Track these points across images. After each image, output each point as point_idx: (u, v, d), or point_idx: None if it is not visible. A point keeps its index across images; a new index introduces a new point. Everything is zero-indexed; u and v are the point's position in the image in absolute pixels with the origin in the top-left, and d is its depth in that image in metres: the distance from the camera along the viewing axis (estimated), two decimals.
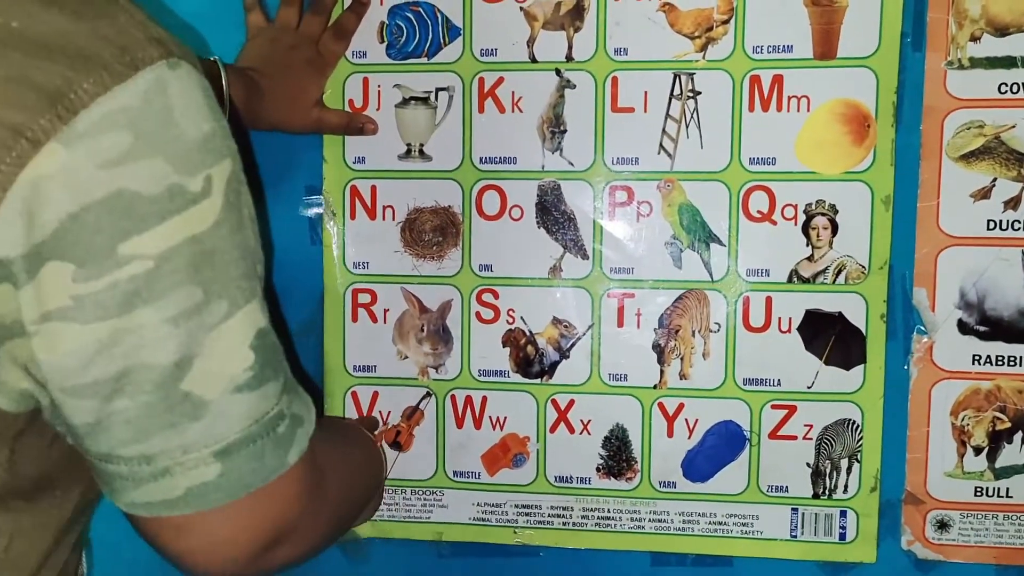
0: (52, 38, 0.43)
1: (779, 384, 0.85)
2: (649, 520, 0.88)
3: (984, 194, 0.81)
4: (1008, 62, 0.79)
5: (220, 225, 0.47)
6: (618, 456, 0.87)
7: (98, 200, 0.43)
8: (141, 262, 0.45)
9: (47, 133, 0.42)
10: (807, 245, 0.83)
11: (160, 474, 0.49)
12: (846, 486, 0.85)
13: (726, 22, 0.82)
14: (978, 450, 0.83)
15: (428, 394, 0.89)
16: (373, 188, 0.88)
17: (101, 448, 0.49)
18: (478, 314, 0.88)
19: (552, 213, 0.86)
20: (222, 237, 0.47)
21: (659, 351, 0.86)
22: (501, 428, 0.88)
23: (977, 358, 0.82)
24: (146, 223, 0.44)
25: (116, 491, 0.51)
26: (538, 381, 0.88)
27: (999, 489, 0.83)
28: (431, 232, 0.87)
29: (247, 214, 0.50)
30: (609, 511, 0.88)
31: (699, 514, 0.87)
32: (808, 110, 0.82)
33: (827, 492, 0.85)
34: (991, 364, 0.82)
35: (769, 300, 0.84)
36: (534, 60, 0.85)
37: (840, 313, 0.83)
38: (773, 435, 0.85)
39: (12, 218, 0.42)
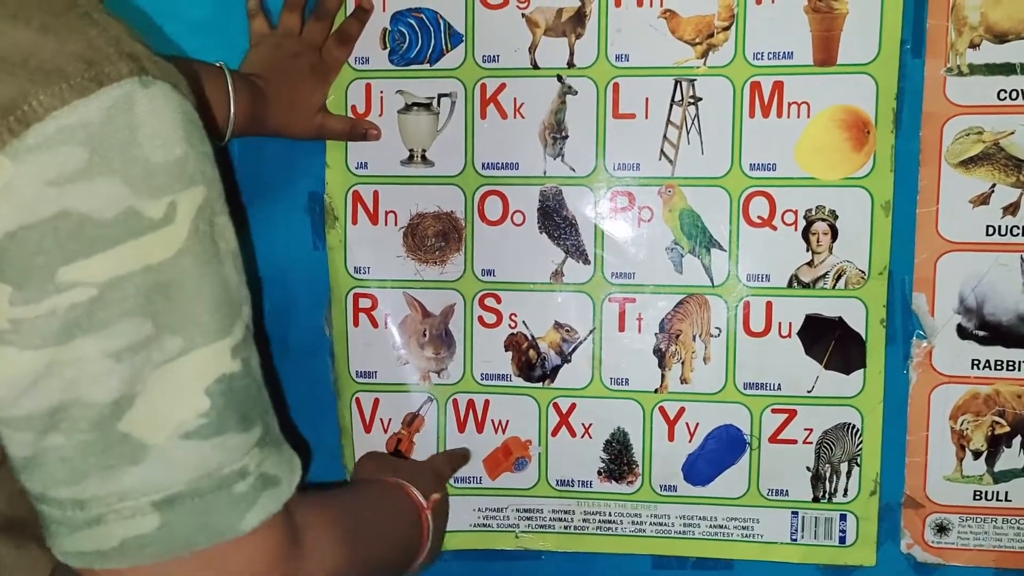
0: (13, 52, 0.41)
1: (779, 388, 0.85)
2: (650, 523, 0.88)
3: (983, 200, 0.81)
4: (1007, 69, 0.80)
5: (183, 255, 0.44)
6: (619, 460, 0.88)
7: (42, 219, 0.40)
8: (84, 289, 0.41)
9: None
10: (807, 250, 0.84)
11: (94, 521, 0.45)
12: (846, 490, 0.85)
13: (727, 29, 0.83)
14: (977, 454, 0.83)
15: (429, 399, 0.89)
16: (375, 193, 0.88)
17: (36, 487, 0.46)
18: (480, 318, 0.88)
19: (554, 218, 0.86)
20: (183, 269, 0.44)
21: (660, 355, 0.86)
22: (503, 432, 0.89)
23: (976, 363, 0.83)
24: (93, 247, 0.41)
25: (52, 536, 0.47)
26: (540, 385, 0.88)
27: (998, 493, 0.84)
28: (433, 237, 0.88)
29: (224, 248, 0.46)
30: (610, 514, 0.89)
31: (700, 517, 0.87)
32: (808, 116, 0.82)
33: (827, 496, 0.86)
34: (990, 369, 0.82)
35: (769, 305, 0.85)
36: (536, 66, 0.85)
37: (840, 318, 0.84)
38: (773, 439, 0.86)
39: None
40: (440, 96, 0.87)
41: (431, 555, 0.77)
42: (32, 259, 0.41)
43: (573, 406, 0.88)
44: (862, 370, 0.84)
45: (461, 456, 0.88)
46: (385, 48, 0.87)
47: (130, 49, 0.43)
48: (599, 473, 0.88)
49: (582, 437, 0.88)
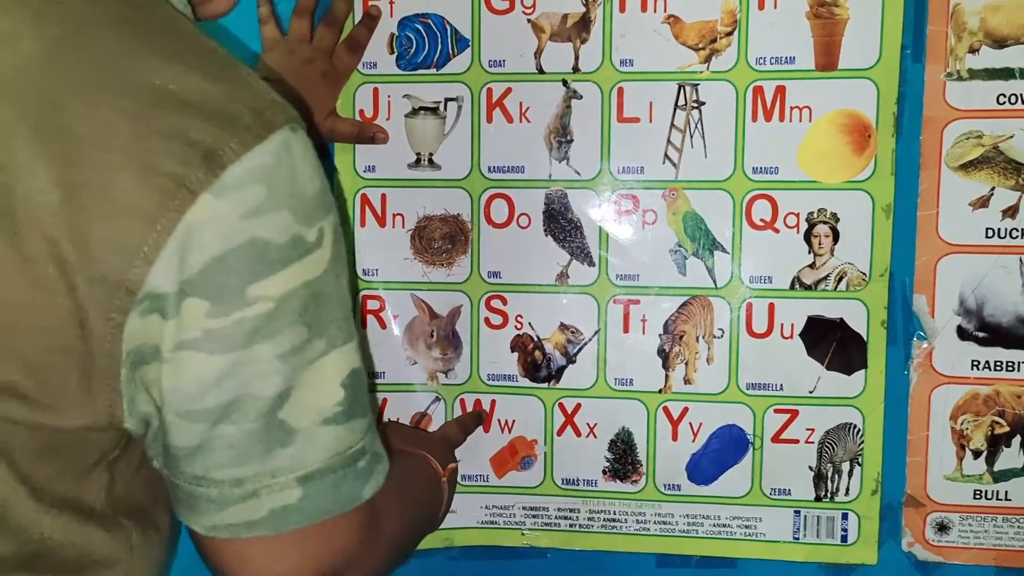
0: (200, 100, 0.48)
1: (782, 389, 0.86)
2: (654, 522, 0.89)
3: (983, 203, 0.82)
4: (1006, 73, 0.81)
5: (328, 272, 0.52)
6: (624, 459, 0.89)
7: (237, 246, 0.48)
8: (264, 303, 0.49)
9: (202, 184, 0.47)
10: (809, 253, 0.85)
11: (248, 496, 0.52)
12: (848, 489, 0.86)
13: (729, 34, 0.84)
14: (977, 454, 0.85)
15: (437, 399, 0.91)
16: (383, 196, 0.90)
17: (197, 470, 0.53)
18: (487, 320, 0.89)
19: (559, 221, 0.88)
20: (329, 283, 0.52)
21: (664, 356, 0.88)
22: (509, 431, 0.90)
23: (976, 363, 0.84)
24: (273, 268, 0.49)
25: (199, 513, 0.54)
26: (545, 385, 0.89)
27: (998, 492, 0.85)
28: (440, 240, 0.89)
29: (344, 262, 0.55)
30: (615, 513, 0.90)
31: (703, 516, 0.89)
32: (810, 120, 0.83)
33: (829, 495, 0.87)
34: (990, 369, 0.83)
35: (772, 306, 0.86)
36: (541, 71, 0.87)
37: (841, 319, 0.85)
38: (776, 439, 0.87)
39: (171, 257, 0.47)
40: (447, 100, 0.88)
41: (443, 518, 0.83)
42: (229, 279, 0.48)
43: (578, 406, 0.89)
44: (863, 371, 0.85)
45: (473, 419, 0.89)
46: (392, 53, 0.88)
47: (278, 99, 0.51)
48: (604, 472, 0.89)
49: (587, 437, 0.89)
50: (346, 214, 0.90)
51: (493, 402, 0.90)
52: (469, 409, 0.90)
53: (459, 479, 0.90)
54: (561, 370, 0.89)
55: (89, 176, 0.46)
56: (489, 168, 0.88)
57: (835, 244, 0.84)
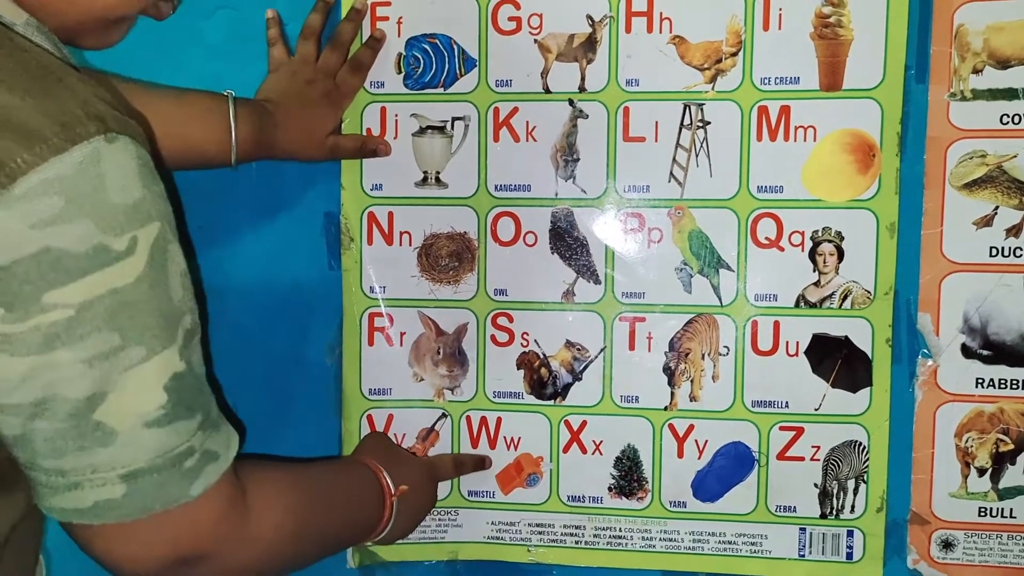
0: (1, 114, 0.49)
1: (787, 406, 0.87)
2: (660, 539, 0.89)
3: (986, 222, 0.83)
4: (1009, 94, 0.81)
5: (141, 280, 0.53)
6: (629, 476, 0.89)
7: (28, 255, 0.49)
8: (63, 310, 0.50)
9: None
10: (814, 271, 0.85)
11: (72, 486, 0.55)
12: (853, 506, 0.87)
13: (735, 54, 0.84)
14: (982, 471, 0.85)
15: (443, 415, 0.91)
16: (390, 214, 0.90)
17: (26, 457, 0.55)
18: (493, 337, 0.90)
19: (565, 239, 0.88)
20: (142, 291, 0.53)
21: (669, 374, 0.88)
22: (515, 448, 0.91)
23: (980, 381, 0.84)
24: (70, 276, 0.50)
25: (38, 495, 0.57)
26: (551, 403, 0.90)
27: (1003, 509, 0.85)
28: (447, 257, 0.90)
29: (174, 270, 0.55)
30: (621, 530, 0.90)
31: (709, 533, 0.89)
32: (815, 140, 0.84)
33: (834, 512, 0.87)
34: (994, 387, 0.84)
35: (777, 324, 0.86)
36: (548, 91, 0.87)
37: (846, 337, 0.85)
38: (781, 456, 0.87)
39: None
40: (454, 119, 0.89)
41: (395, 533, 0.82)
42: (21, 287, 0.49)
43: (584, 423, 0.89)
44: (868, 388, 0.85)
45: (474, 462, 0.90)
46: (400, 72, 0.89)
47: (96, 111, 0.51)
48: (610, 489, 0.90)
49: (593, 454, 0.90)
50: (342, 242, 0.90)
51: (499, 419, 0.90)
52: (475, 427, 0.91)
53: (465, 495, 0.91)
54: (567, 387, 0.89)
55: None
56: (496, 186, 0.89)
57: (840, 262, 0.85)
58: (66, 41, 0.60)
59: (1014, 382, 0.84)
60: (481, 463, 0.90)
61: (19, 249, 0.48)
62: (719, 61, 0.85)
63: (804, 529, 0.88)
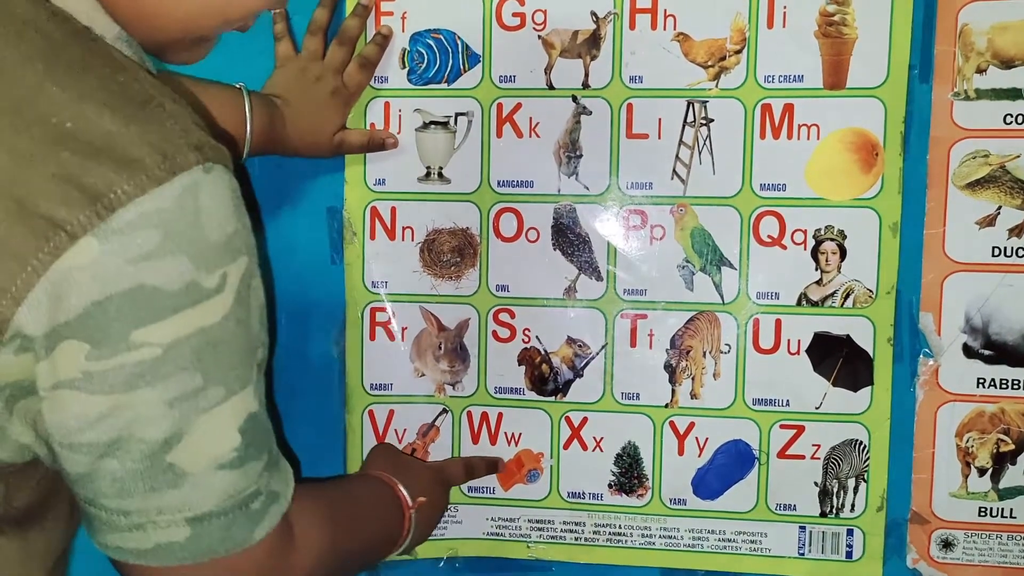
0: (101, 141, 0.47)
1: (788, 405, 0.87)
2: (660, 536, 0.89)
3: (989, 221, 0.83)
4: (1013, 94, 0.81)
5: (228, 319, 0.51)
6: (630, 473, 0.89)
7: (121, 291, 0.47)
8: (150, 348, 0.48)
9: (84, 228, 0.46)
10: (816, 269, 0.85)
11: (135, 527, 0.53)
12: (853, 505, 0.87)
13: (738, 52, 0.85)
14: (982, 471, 0.85)
15: (444, 411, 0.91)
16: (393, 209, 0.90)
17: (88, 494, 0.53)
18: (495, 333, 0.90)
19: (567, 235, 0.88)
20: (228, 329, 0.51)
21: (671, 371, 0.88)
22: (516, 444, 0.91)
23: (982, 381, 0.84)
24: (161, 314, 0.48)
25: (95, 531, 0.55)
26: (552, 399, 0.90)
27: (1003, 509, 0.85)
28: (449, 253, 0.90)
29: (255, 305, 0.54)
30: (620, 527, 0.90)
31: (708, 531, 0.89)
32: (818, 138, 0.84)
33: (834, 511, 0.87)
34: (995, 387, 0.84)
35: (779, 322, 0.86)
36: (551, 87, 0.87)
37: (848, 336, 0.85)
38: (782, 454, 0.87)
39: (40, 299, 0.46)
40: (457, 115, 0.89)
41: (413, 543, 0.82)
42: (111, 324, 0.47)
43: (585, 420, 0.89)
44: (869, 387, 0.85)
45: (486, 465, 0.89)
46: (404, 68, 0.89)
47: (196, 140, 0.50)
48: (610, 486, 0.90)
49: (593, 450, 0.90)
50: (344, 237, 0.90)
51: (500, 415, 0.90)
52: (476, 423, 0.91)
53: (465, 491, 0.91)
54: (568, 384, 0.89)
55: None
56: (498, 182, 0.89)
57: (842, 261, 0.85)
58: (152, 55, 0.59)
59: (1015, 382, 0.84)
60: (493, 466, 0.90)
61: (114, 284, 0.47)
62: (723, 59, 0.85)
63: (804, 528, 0.88)
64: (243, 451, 0.53)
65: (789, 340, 0.86)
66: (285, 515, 0.58)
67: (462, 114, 0.89)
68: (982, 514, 0.85)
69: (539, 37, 0.87)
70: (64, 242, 0.46)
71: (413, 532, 0.79)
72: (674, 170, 0.87)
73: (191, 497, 0.52)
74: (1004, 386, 0.84)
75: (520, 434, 0.90)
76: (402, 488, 0.79)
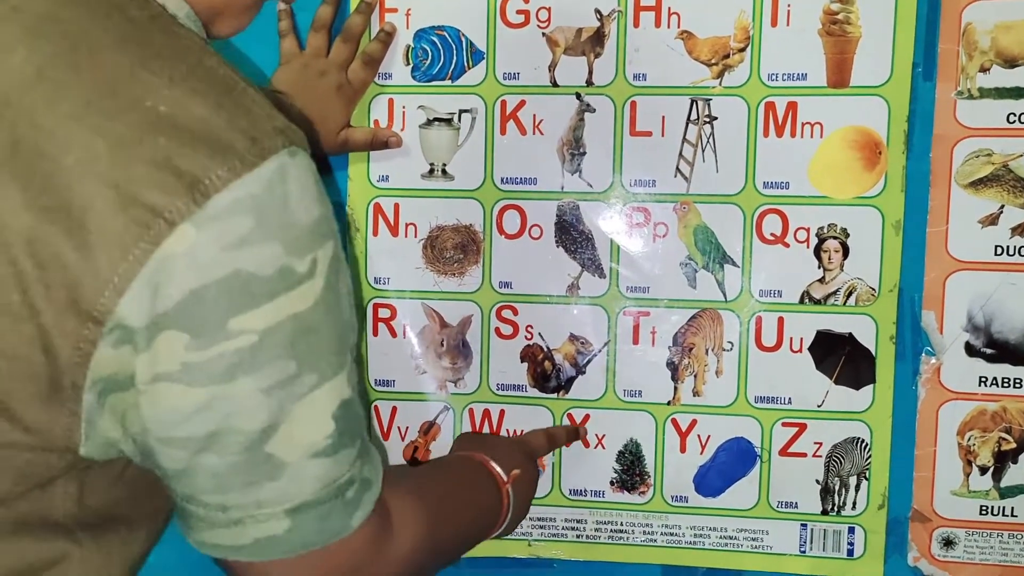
0: (195, 126, 0.46)
1: (790, 402, 0.87)
2: (661, 534, 0.90)
3: (992, 220, 0.83)
4: (1016, 93, 0.82)
5: (319, 304, 0.50)
6: (632, 470, 0.89)
7: (217, 279, 0.46)
8: (247, 336, 0.48)
9: (182, 215, 0.45)
10: (819, 267, 0.85)
11: (233, 523, 0.52)
12: (854, 503, 0.87)
13: (742, 50, 0.85)
14: (984, 470, 0.85)
15: (446, 408, 0.91)
16: (396, 206, 0.90)
17: (185, 490, 0.53)
18: (497, 330, 0.90)
19: (571, 233, 0.88)
20: (320, 315, 0.50)
21: (673, 368, 0.88)
22: None
23: (984, 380, 0.84)
24: (257, 301, 0.47)
25: (191, 528, 0.55)
26: (555, 396, 0.90)
27: (1004, 508, 0.85)
28: (452, 249, 0.90)
29: (344, 290, 0.53)
30: (622, 524, 0.90)
31: (710, 528, 0.89)
32: (821, 136, 0.84)
33: (836, 509, 0.87)
34: (997, 386, 0.84)
35: (781, 320, 0.86)
36: (555, 84, 0.87)
37: (850, 334, 0.85)
38: (783, 452, 0.87)
39: (142, 289, 0.46)
40: (461, 112, 0.89)
41: (513, 523, 0.82)
42: (209, 312, 0.47)
43: (587, 417, 0.90)
44: (871, 385, 0.85)
45: (569, 433, 0.88)
46: (408, 64, 0.89)
47: (280, 123, 0.49)
48: (611, 483, 0.90)
49: (595, 447, 0.90)
50: (349, 233, 0.90)
51: (502, 412, 0.91)
52: (478, 419, 0.91)
53: None
54: (570, 381, 0.89)
55: (64, 202, 0.45)
56: (502, 179, 0.89)
57: (845, 259, 0.85)
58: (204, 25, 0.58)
59: (1017, 381, 0.84)
60: (575, 433, 0.88)
61: (210, 272, 0.46)
62: (727, 57, 0.85)
63: (805, 525, 0.88)
64: (336, 439, 0.53)
65: (791, 338, 0.86)
66: (381, 502, 0.58)
67: (466, 111, 0.89)
68: (983, 512, 0.85)
69: (543, 34, 0.87)
70: (164, 230, 0.45)
71: (512, 508, 0.79)
72: (677, 168, 0.87)
73: (289, 488, 0.52)
74: (1006, 385, 0.84)
75: (522, 431, 0.90)
76: (494, 464, 0.78)
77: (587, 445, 0.89)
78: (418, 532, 0.62)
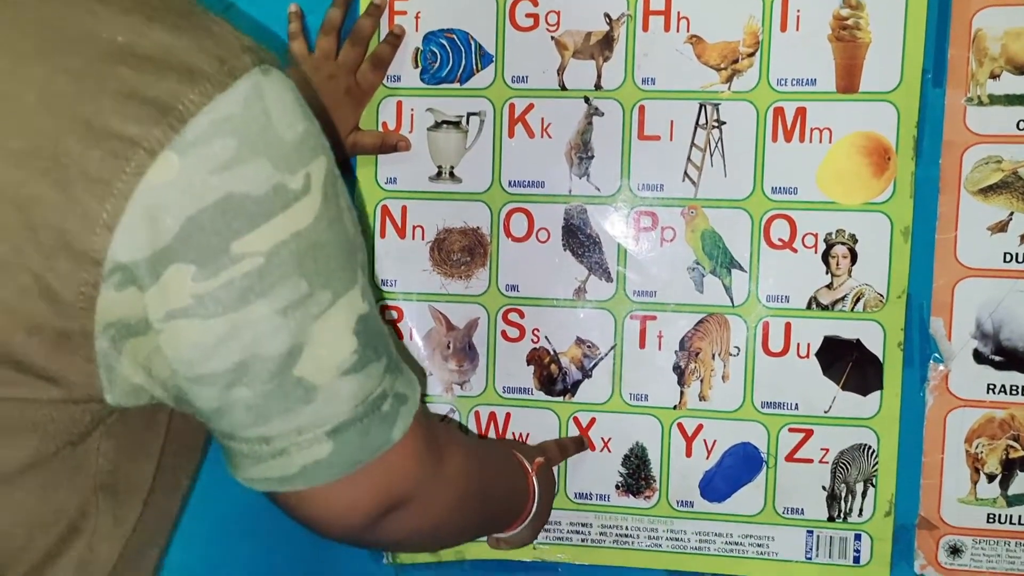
0: (157, 52, 0.45)
1: (796, 408, 0.87)
2: (666, 538, 0.89)
3: (1001, 227, 0.83)
4: None
5: (320, 219, 0.49)
6: (637, 474, 0.89)
7: (211, 203, 0.45)
8: (252, 259, 0.47)
9: (161, 143, 0.44)
10: (827, 273, 0.85)
11: (278, 453, 0.52)
12: (861, 510, 0.86)
13: (751, 55, 0.85)
14: (991, 477, 0.85)
15: (452, 410, 0.91)
16: (404, 208, 0.91)
17: (224, 428, 0.52)
18: (504, 333, 0.90)
19: (578, 236, 0.88)
20: (322, 230, 0.50)
21: (679, 373, 0.88)
22: None
23: (992, 387, 0.84)
24: (255, 222, 0.47)
25: (238, 467, 0.54)
26: (561, 399, 0.90)
27: (1011, 516, 0.85)
28: (459, 252, 0.90)
29: (344, 205, 0.52)
30: (627, 528, 0.90)
31: (715, 534, 0.89)
32: (830, 142, 0.84)
33: (842, 515, 0.87)
34: (1005, 393, 0.84)
35: (788, 326, 0.86)
36: (564, 88, 0.87)
37: (858, 340, 0.85)
38: (790, 458, 0.87)
39: (135, 224, 0.45)
40: (469, 114, 0.89)
41: (537, 522, 0.82)
42: (209, 239, 0.46)
43: (593, 420, 0.89)
44: (879, 392, 0.85)
45: (574, 444, 0.89)
46: (417, 67, 0.89)
47: (247, 42, 0.48)
48: (617, 487, 0.90)
49: (601, 451, 0.90)
50: (366, 221, 0.91)
51: (508, 415, 0.91)
52: (484, 422, 0.91)
53: None
54: (577, 384, 0.89)
55: (33, 144, 0.43)
56: (509, 182, 0.89)
57: (853, 265, 0.85)
58: None
59: None
60: (581, 444, 0.89)
61: (202, 198, 0.45)
62: (736, 61, 0.85)
63: (811, 532, 0.87)
64: (362, 352, 0.52)
65: (799, 343, 0.86)
66: (422, 420, 0.58)
67: (474, 114, 0.89)
68: (991, 520, 0.85)
69: (552, 38, 0.87)
70: (145, 160, 0.44)
71: (538, 501, 0.79)
72: (685, 172, 0.87)
73: (325, 409, 0.52)
74: (1014, 392, 0.83)
75: (528, 434, 0.90)
76: (519, 455, 0.79)
77: (593, 448, 0.89)
78: (470, 465, 0.64)
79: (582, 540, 0.90)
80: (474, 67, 0.89)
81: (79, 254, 0.45)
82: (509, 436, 0.90)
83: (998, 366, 0.84)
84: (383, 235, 0.91)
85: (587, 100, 0.87)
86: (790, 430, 0.87)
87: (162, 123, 0.44)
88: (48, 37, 0.45)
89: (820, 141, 0.84)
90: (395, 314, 0.91)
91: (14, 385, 0.48)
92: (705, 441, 0.88)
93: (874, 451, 0.86)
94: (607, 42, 0.86)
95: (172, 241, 0.45)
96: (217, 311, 0.47)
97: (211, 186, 0.45)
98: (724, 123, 0.85)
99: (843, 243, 0.85)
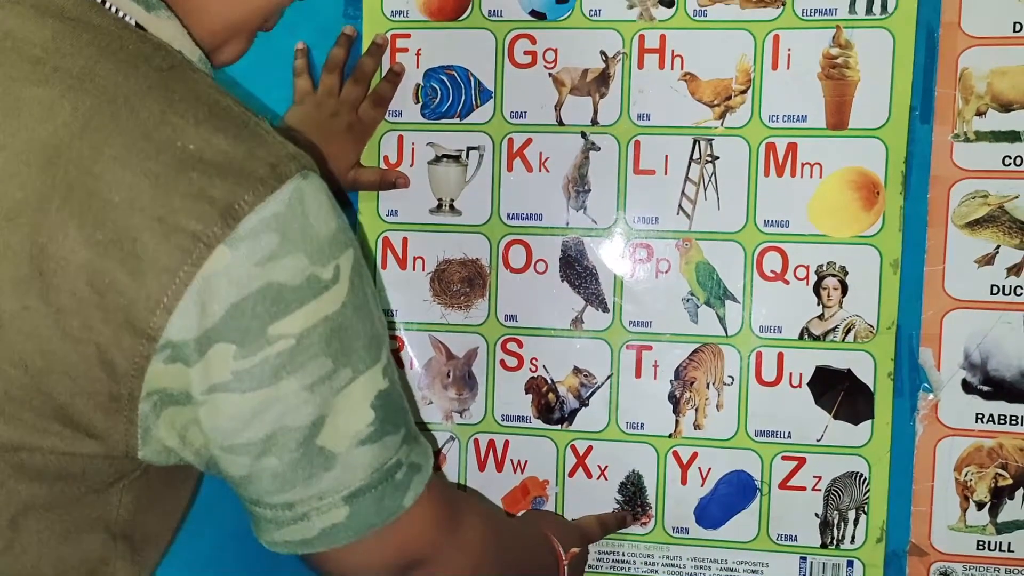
0: (221, 159, 0.52)
1: (789, 436, 0.88)
2: (662, 565, 0.91)
3: (988, 260, 0.85)
4: (1012, 136, 0.83)
5: (347, 305, 0.55)
6: (633, 501, 0.91)
7: (254, 291, 0.51)
8: (286, 340, 0.53)
9: (217, 238, 0.50)
10: (818, 304, 0.87)
11: (300, 518, 0.57)
12: (853, 536, 0.88)
13: (744, 92, 0.87)
14: (981, 505, 0.86)
15: (451, 438, 0.93)
16: (404, 240, 0.92)
17: (252, 495, 0.58)
18: (502, 362, 0.92)
19: (575, 268, 0.90)
20: (348, 315, 0.55)
21: (675, 402, 0.90)
22: (522, 471, 0.92)
23: (980, 416, 0.85)
24: (290, 308, 0.52)
25: (263, 531, 0.60)
26: (558, 427, 0.91)
27: (1001, 543, 0.86)
28: (459, 283, 0.92)
29: (368, 292, 0.58)
30: (624, 555, 0.91)
31: (711, 560, 0.90)
32: (820, 176, 0.86)
33: (835, 542, 0.88)
34: (993, 423, 0.85)
35: (781, 356, 0.88)
36: (561, 123, 0.90)
37: (849, 370, 0.87)
38: (783, 485, 0.88)
39: (189, 309, 0.51)
40: (469, 149, 0.91)
41: None
42: (250, 323, 0.52)
43: (590, 448, 0.91)
44: (870, 421, 0.87)
45: (616, 520, 0.91)
46: (418, 102, 0.92)
47: (292, 150, 0.54)
48: None
49: (598, 478, 0.91)
50: (368, 252, 0.92)
51: (506, 442, 0.92)
52: (483, 450, 0.92)
53: None
54: (574, 412, 0.91)
55: (115, 236, 0.50)
56: (508, 215, 0.91)
57: (844, 297, 0.86)
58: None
59: (1013, 418, 0.85)
60: (623, 521, 0.91)
61: (247, 286, 0.51)
62: (728, 98, 0.87)
63: (805, 558, 0.89)
64: (379, 425, 0.57)
65: (791, 373, 0.88)
66: (437, 488, 0.63)
67: (474, 148, 0.91)
68: (980, 547, 0.86)
69: (550, 75, 0.89)
70: (203, 253, 0.50)
71: None
72: (680, 205, 0.89)
73: (343, 476, 0.57)
74: (1002, 421, 0.85)
75: (526, 461, 0.92)
76: (556, 541, 0.82)
77: (634, 522, 0.91)
78: (488, 534, 0.68)
79: None
80: (473, 103, 0.91)
81: (139, 331, 0.51)
82: (507, 463, 0.92)
83: (986, 396, 0.85)
84: (384, 266, 0.93)
85: (584, 135, 0.89)
86: (783, 458, 0.88)
87: (220, 221, 0.50)
88: (134, 145, 0.51)
89: (811, 176, 0.86)
90: (396, 343, 0.93)
91: (62, 439, 0.53)
92: (700, 469, 0.90)
93: (866, 479, 0.87)
94: (603, 79, 0.89)
95: (218, 323, 0.51)
96: (253, 386, 0.53)
97: (254, 276, 0.51)
98: (717, 158, 0.87)
99: (834, 275, 0.87)
